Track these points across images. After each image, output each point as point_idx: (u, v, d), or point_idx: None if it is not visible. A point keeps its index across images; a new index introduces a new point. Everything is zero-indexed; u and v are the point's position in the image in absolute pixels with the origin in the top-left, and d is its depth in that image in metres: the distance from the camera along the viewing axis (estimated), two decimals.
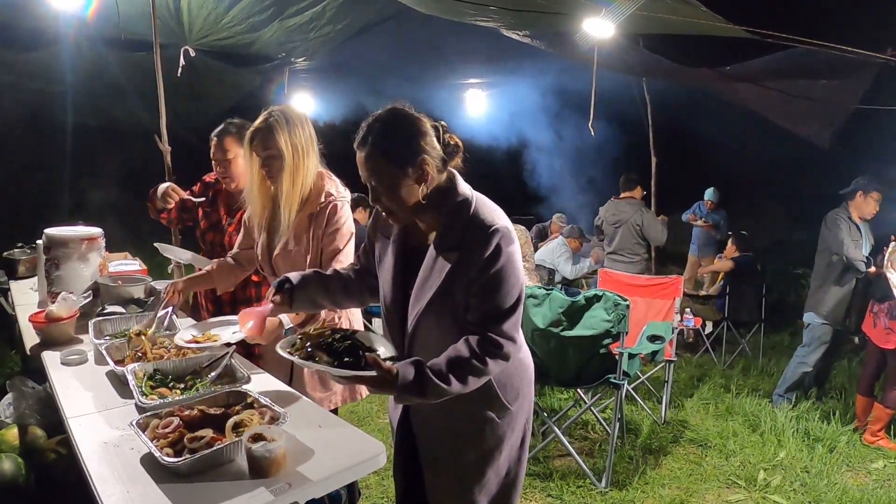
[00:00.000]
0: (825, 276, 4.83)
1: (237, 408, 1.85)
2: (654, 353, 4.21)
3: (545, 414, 4.00)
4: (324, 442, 1.83)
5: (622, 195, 6.13)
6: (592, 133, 5.15)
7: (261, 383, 2.15)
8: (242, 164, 3.01)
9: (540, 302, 3.69)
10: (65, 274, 3.11)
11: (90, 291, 2.96)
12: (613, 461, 3.73)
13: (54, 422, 3.78)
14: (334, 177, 2.59)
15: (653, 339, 4.28)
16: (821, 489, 3.62)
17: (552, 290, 3.75)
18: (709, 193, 8.36)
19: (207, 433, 1.70)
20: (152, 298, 2.94)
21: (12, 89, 5.93)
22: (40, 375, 4.10)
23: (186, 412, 1.81)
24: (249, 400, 1.89)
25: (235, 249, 2.83)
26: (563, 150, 9.68)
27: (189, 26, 4.87)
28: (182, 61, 4.55)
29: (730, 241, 7.09)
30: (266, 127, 2.40)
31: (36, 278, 4.09)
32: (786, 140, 7.48)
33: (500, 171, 10.49)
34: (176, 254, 3.18)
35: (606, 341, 3.67)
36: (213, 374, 2.14)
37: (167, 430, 1.71)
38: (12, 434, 3.55)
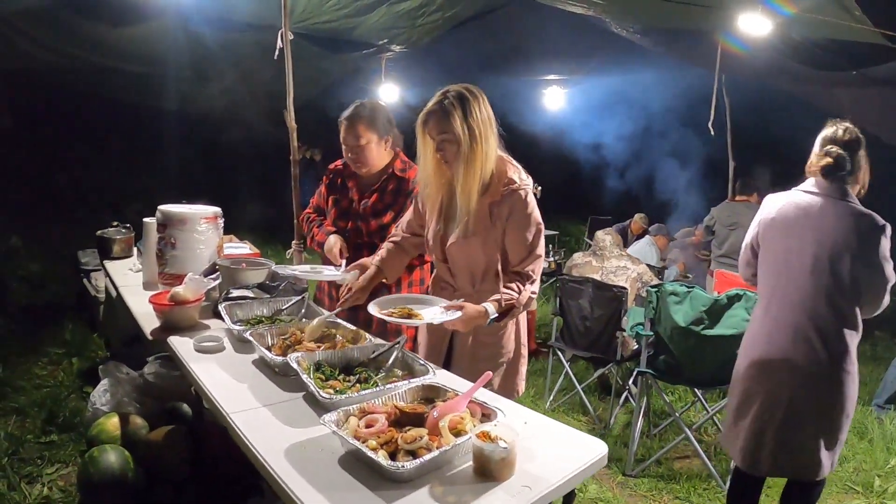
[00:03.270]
0: None
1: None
2: None
3: (677, 415, 3.78)
4: (538, 439, 1.61)
5: (738, 198, 5.87)
6: (712, 132, 4.91)
7: (442, 376, 1.90)
8: (375, 150, 2.85)
9: (681, 299, 3.43)
10: (181, 254, 2.88)
11: (217, 274, 2.74)
12: None
13: (154, 411, 3.58)
14: (516, 163, 2.36)
15: None
16: None
17: (693, 287, 3.49)
18: None
19: (422, 433, 1.45)
20: (283, 284, 2.72)
21: (107, 70, 5.78)
22: (135, 362, 3.94)
23: (382, 409, 1.57)
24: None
25: (399, 234, 2.61)
26: (641, 149, 9.42)
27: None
28: (279, 43, 4.36)
29: None
30: (441, 109, 2.22)
31: (131, 259, 3.90)
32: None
33: (577, 169, 10.21)
34: (301, 271, 2.88)
35: None
36: (387, 364, 1.90)
37: (374, 430, 1.47)
38: (112, 423, 3.33)
